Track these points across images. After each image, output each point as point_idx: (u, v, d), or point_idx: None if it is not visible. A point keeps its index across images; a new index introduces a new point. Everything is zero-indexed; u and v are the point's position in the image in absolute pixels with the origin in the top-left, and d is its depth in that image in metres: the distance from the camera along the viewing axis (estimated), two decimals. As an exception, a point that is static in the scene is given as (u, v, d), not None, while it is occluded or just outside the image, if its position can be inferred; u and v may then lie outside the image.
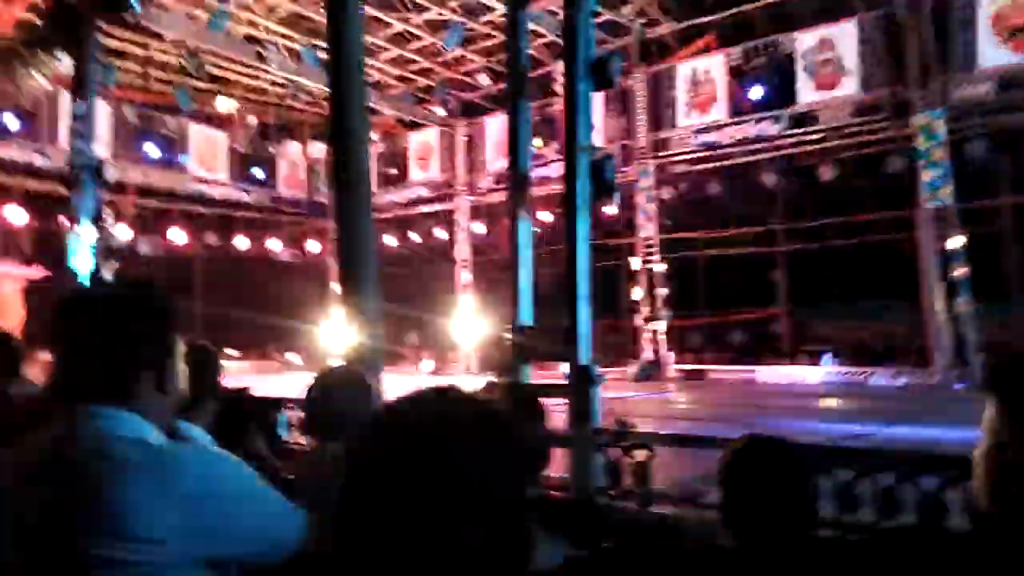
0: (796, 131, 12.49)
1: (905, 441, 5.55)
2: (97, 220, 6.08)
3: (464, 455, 0.66)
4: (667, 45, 14.21)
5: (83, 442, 1.10)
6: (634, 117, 14.10)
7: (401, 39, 14.09)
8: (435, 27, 13.40)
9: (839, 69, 12.02)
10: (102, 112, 14.03)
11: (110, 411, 1.12)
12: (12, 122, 12.76)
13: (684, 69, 13.67)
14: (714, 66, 13.36)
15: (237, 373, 14.59)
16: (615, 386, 11.84)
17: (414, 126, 17.26)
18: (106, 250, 6.22)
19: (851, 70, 11.87)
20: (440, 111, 16.25)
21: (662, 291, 13.60)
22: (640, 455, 3.01)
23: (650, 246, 13.88)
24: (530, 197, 3.85)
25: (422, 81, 15.73)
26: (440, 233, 16.57)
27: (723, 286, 15.51)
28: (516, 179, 3.76)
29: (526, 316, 3.59)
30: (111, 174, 6.73)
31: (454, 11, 12.67)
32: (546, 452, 1.93)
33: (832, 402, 9.86)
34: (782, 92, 12.58)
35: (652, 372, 13.14)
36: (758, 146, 12.98)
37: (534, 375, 3.70)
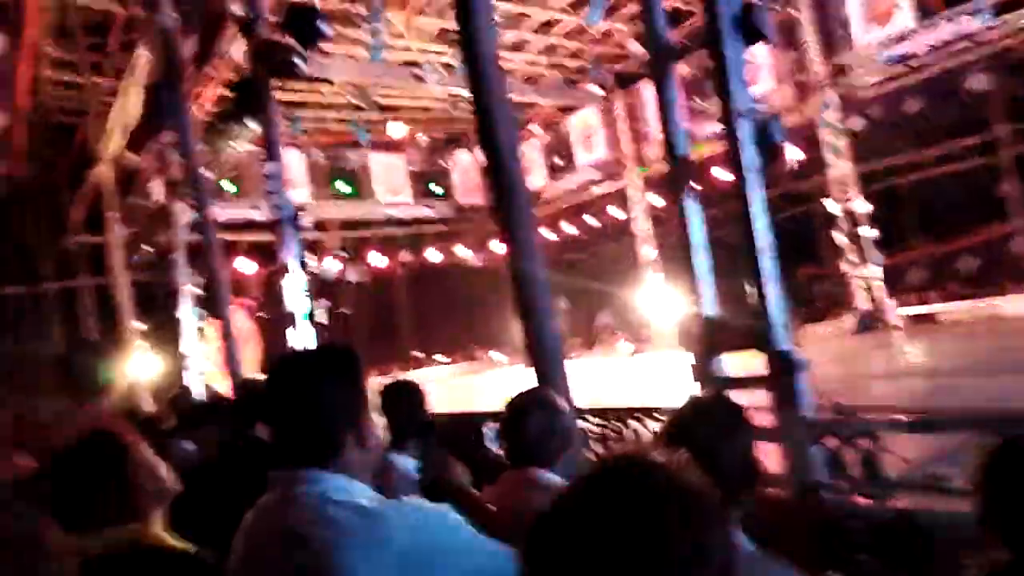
0: (1002, 20, 10.75)
1: None
2: (302, 263, 6.72)
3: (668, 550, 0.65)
4: (830, -41, 12.85)
5: (301, 508, 1.21)
6: (804, 47, 12.92)
7: (545, 27, 14.05)
8: (576, 6, 13.21)
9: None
10: (297, 160, 15.54)
11: (321, 475, 1.23)
12: (228, 186, 14.52)
13: (854, -20, 12.30)
14: (889, -31, 11.88)
15: (448, 378, 15.50)
16: (831, 345, 10.96)
17: (573, 110, 17.18)
18: (314, 288, 6.86)
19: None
20: (596, 89, 16.00)
21: (869, 232, 12.32)
22: (865, 443, 2.71)
23: (846, 184, 12.65)
24: (690, 175, 3.63)
25: (573, 63, 15.60)
26: (616, 211, 16.35)
27: (941, 212, 13.76)
28: (674, 162, 3.56)
29: (709, 306, 3.40)
30: (310, 217, 7.33)
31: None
32: (756, 470, 1.79)
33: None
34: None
35: (871, 323, 11.96)
36: (958, 47, 11.35)
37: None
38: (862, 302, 12.35)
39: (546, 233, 17.17)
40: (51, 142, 12.15)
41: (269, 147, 7.23)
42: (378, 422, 1.47)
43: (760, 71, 13.49)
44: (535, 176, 17.78)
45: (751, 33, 3.42)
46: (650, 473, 0.72)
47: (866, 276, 12.30)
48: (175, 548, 1.64)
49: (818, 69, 12.72)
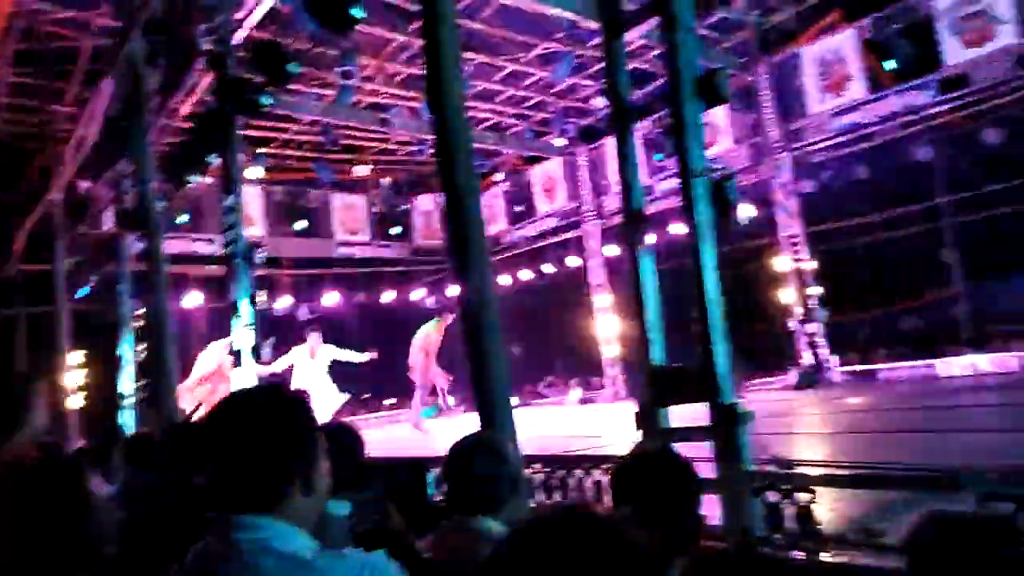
0: (948, 96, 11.38)
1: None
2: (252, 299, 6.62)
3: None
4: (789, 31, 13.47)
5: (237, 556, 1.15)
6: (762, 111, 13.43)
7: (513, 78, 14.35)
8: (545, 60, 13.55)
9: (989, 20, 10.83)
10: (254, 196, 15.44)
11: (261, 521, 1.18)
12: (181, 217, 14.29)
13: (810, 52, 12.90)
14: (844, 43, 12.51)
15: (390, 426, 15.26)
16: (773, 399, 11.14)
17: (536, 160, 17.45)
18: (263, 327, 6.75)
19: (1005, 18, 10.66)
20: (559, 141, 16.33)
21: (815, 289, 12.69)
22: (802, 497, 2.75)
23: (796, 243, 13.05)
24: (645, 228, 3.71)
25: (539, 115, 15.92)
26: (573, 260, 16.54)
27: (886, 274, 14.26)
28: (630, 214, 3.64)
29: (658, 356, 3.44)
30: (263, 253, 7.24)
31: (560, 42, 12.75)
32: (699, 524, 1.81)
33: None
34: (925, 58, 11.52)
35: (813, 379, 12.22)
36: (906, 119, 11.95)
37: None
38: (806, 358, 12.62)
39: (504, 279, 17.25)
40: (3, 167, 11.86)
41: (228, 182, 7.18)
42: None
43: (720, 132, 13.96)
44: (497, 223, 17.95)
45: (711, 95, 3.55)
46: (589, 528, 0.73)
47: (811, 333, 12.60)
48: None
49: (774, 132, 13.20)
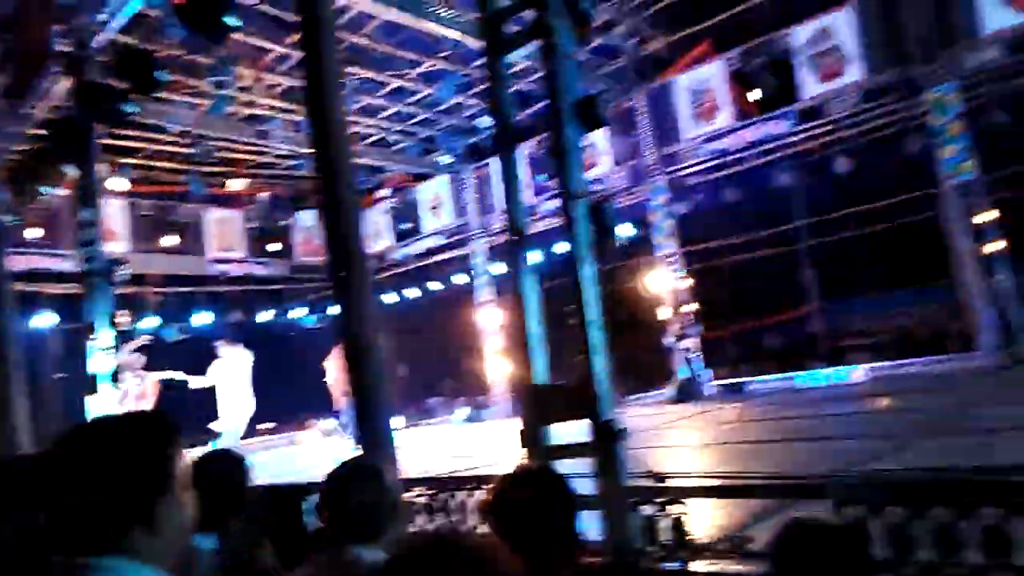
0: (805, 126, 12.31)
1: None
2: (111, 320, 6.15)
3: None
4: (665, 60, 14.14)
5: None
6: (639, 135, 14.01)
7: (400, 94, 14.26)
8: (431, 78, 13.54)
9: (840, 58, 11.82)
10: (118, 210, 14.47)
11: (110, 562, 1.08)
12: (35, 232, 13.15)
13: (682, 80, 13.57)
14: (712, 73, 13.24)
15: (272, 448, 14.63)
16: (651, 413, 11.55)
17: (423, 177, 17.37)
18: (126, 349, 6.28)
19: (854, 56, 11.66)
20: (446, 158, 16.34)
21: (689, 307, 13.32)
22: (675, 509, 2.85)
23: (671, 263, 13.66)
24: (527, 247, 3.75)
25: (426, 132, 15.89)
26: (459, 278, 16.54)
27: (752, 292, 15.21)
28: (514, 233, 3.67)
29: (540, 374, 3.47)
30: (126, 270, 6.76)
31: (446, 60, 12.80)
32: (575, 541, 1.83)
33: (879, 402, 9.42)
34: (785, 90, 12.41)
35: (689, 392, 12.79)
36: (768, 147, 12.82)
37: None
38: (682, 372, 13.20)
39: (390, 297, 16.98)
40: None
41: (86, 194, 6.69)
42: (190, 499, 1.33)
43: (601, 153, 14.42)
44: (382, 239, 17.67)
45: (590, 120, 3.64)
46: (457, 557, 0.76)
47: (686, 348, 13.20)
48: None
49: (650, 156, 13.79)
